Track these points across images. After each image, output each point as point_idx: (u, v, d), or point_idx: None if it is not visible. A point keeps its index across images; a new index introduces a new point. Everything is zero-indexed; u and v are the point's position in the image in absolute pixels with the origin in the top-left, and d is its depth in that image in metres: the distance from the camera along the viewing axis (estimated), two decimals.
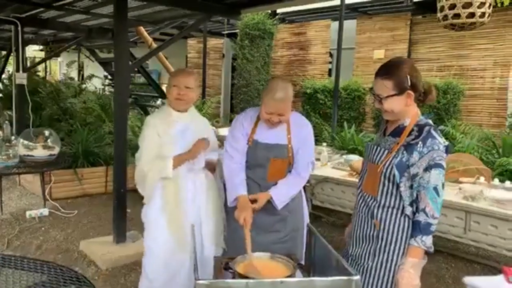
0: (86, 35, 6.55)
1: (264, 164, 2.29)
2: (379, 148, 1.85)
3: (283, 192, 2.27)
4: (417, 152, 1.71)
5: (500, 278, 1.96)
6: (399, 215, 1.79)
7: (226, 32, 9.35)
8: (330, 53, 8.81)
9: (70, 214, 4.76)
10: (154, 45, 7.36)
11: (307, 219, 2.47)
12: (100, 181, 5.60)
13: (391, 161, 1.77)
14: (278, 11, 8.67)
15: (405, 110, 1.78)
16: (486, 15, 4.49)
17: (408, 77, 1.74)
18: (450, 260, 3.83)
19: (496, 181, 3.38)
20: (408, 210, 1.76)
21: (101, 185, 5.60)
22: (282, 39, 9.25)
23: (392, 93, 1.74)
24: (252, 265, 1.91)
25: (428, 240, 1.70)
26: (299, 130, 2.31)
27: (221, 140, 4.84)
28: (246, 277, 1.78)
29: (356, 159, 4.11)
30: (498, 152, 4.72)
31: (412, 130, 1.76)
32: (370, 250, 1.86)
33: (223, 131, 5.13)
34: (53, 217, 4.67)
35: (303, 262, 2.25)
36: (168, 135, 2.41)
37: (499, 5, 4.95)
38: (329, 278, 1.60)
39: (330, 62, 8.85)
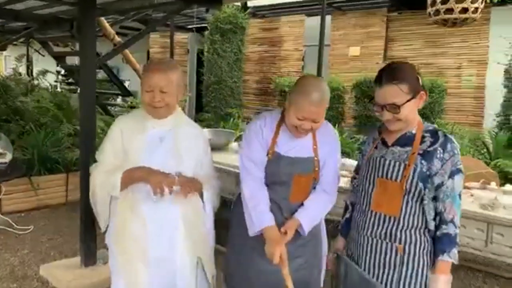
0: (39, 26, 5.83)
1: (287, 181, 1.87)
2: (388, 161, 1.66)
3: (313, 216, 1.89)
4: (437, 159, 1.58)
5: None
6: (423, 235, 1.64)
7: (195, 26, 8.84)
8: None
9: (25, 231, 4.11)
10: (118, 39, 6.73)
11: (325, 245, 2.08)
12: (60, 190, 4.97)
13: (413, 174, 1.59)
14: (249, 4, 8.27)
15: (414, 116, 1.64)
16: (479, 10, 4.34)
17: (418, 77, 1.63)
18: (469, 273, 3.62)
19: (508, 186, 3.17)
20: (431, 225, 1.62)
21: (61, 195, 4.97)
22: (253, 34, 8.87)
23: (409, 97, 1.59)
24: None
25: (455, 254, 1.58)
26: (325, 140, 1.91)
27: None
28: None
29: (355, 163, 3.78)
30: (489, 153, 4.58)
31: (424, 136, 1.63)
32: (392, 278, 1.65)
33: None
34: (5, 235, 4.01)
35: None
36: (135, 143, 1.87)
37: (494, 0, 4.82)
38: None
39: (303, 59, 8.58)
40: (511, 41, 5.36)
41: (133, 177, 1.81)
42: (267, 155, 1.87)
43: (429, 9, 4.48)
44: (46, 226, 4.30)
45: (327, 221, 2.15)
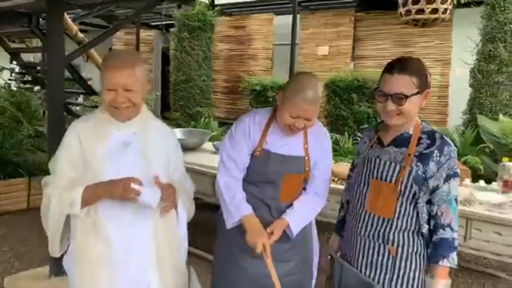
0: None
1: (276, 180, 1.82)
2: (383, 162, 1.64)
3: (301, 218, 1.85)
4: (434, 162, 1.55)
5: None
6: (416, 238, 1.62)
7: (161, 23, 8.61)
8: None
9: None
10: (80, 36, 6.42)
11: (316, 249, 2.05)
12: (21, 196, 4.68)
13: (408, 176, 1.57)
14: (217, 2, 8.16)
15: (414, 114, 1.61)
16: (448, 11, 4.45)
17: (428, 75, 1.61)
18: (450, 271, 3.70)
19: (481, 182, 3.26)
20: (425, 229, 1.60)
21: (22, 201, 4.68)
22: (221, 32, 8.75)
23: (416, 91, 1.55)
24: None
25: (454, 259, 1.55)
26: (316, 139, 1.87)
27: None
28: None
29: (334, 163, 3.78)
30: (458, 150, 4.72)
31: (420, 137, 1.61)
32: (384, 280, 1.63)
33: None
34: None
35: None
36: (97, 151, 1.58)
37: (462, 1, 4.98)
38: None
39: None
40: (476, 42, 5.56)
41: (96, 193, 1.53)
42: (255, 153, 1.82)
43: (401, 9, 4.55)
44: (7, 234, 4.03)
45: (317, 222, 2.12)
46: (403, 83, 1.53)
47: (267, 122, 1.84)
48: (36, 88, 9.37)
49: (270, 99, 7.36)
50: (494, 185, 3.20)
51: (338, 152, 5.38)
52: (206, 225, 3.05)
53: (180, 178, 1.75)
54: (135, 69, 1.55)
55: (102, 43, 7.05)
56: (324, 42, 7.84)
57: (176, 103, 7.99)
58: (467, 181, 3.31)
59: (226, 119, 8.42)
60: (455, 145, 4.98)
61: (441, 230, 1.55)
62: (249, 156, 1.84)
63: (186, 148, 4.20)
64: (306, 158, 1.84)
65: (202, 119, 7.08)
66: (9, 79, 12.46)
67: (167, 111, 9.66)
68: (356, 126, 6.24)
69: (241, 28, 8.66)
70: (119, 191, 1.49)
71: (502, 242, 2.68)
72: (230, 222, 1.79)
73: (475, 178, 3.71)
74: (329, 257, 1.85)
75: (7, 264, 3.43)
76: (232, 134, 1.86)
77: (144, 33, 10.13)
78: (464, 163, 4.26)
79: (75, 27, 6.45)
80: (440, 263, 1.54)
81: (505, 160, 3.15)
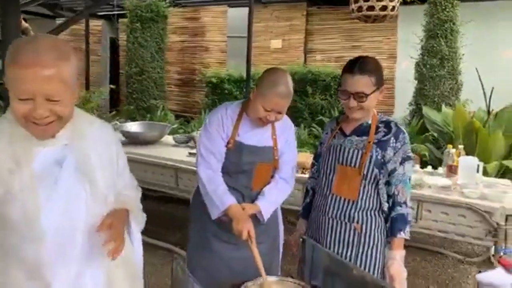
0: None
1: (249, 170, 1.94)
2: (347, 149, 1.82)
3: (272, 203, 1.98)
4: (391, 147, 1.75)
5: (501, 271, 1.98)
6: (377, 216, 1.81)
7: (111, 13, 8.33)
8: None
9: None
10: (25, 25, 6.08)
11: (282, 228, 2.20)
12: None
13: (369, 161, 1.76)
14: None
15: (372, 107, 1.81)
16: (396, 9, 4.73)
17: (382, 73, 1.81)
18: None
19: (429, 168, 3.54)
20: (385, 207, 1.79)
21: None
22: (174, 23, 8.62)
23: (374, 88, 1.75)
24: None
25: (408, 231, 1.76)
26: (283, 130, 2.02)
27: (131, 137, 4.20)
28: None
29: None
30: None
31: (378, 127, 1.80)
32: (351, 255, 1.81)
33: (133, 127, 4.46)
34: None
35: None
36: (19, 181, 1.12)
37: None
38: None
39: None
40: (420, 38, 5.94)
41: None
42: (228, 145, 1.92)
43: (352, 6, 4.77)
44: None
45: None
46: (363, 83, 1.72)
47: (238, 115, 1.94)
48: None
49: (226, 92, 7.40)
50: (440, 170, 3.50)
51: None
52: (168, 217, 3.10)
53: (126, 185, 1.41)
54: (61, 67, 1.07)
55: (44, 33, 6.62)
56: (277, 35, 7.98)
57: (129, 96, 7.80)
58: (417, 166, 3.58)
59: (181, 112, 8.35)
60: None
61: (399, 207, 1.74)
62: (224, 147, 1.92)
63: (145, 142, 4.17)
64: (275, 148, 1.98)
65: (159, 112, 6.99)
66: None
67: (117, 104, 9.40)
68: (311, 118, 6.47)
69: (195, 19, 8.59)
70: None
71: (449, 221, 2.96)
72: (215, 212, 1.88)
73: (422, 164, 4.02)
74: (301, 240, 1.98)
75: None
76: (207, 128, 1.94)
77: (92, 23, 9.76)
78: (412, 151, 4.56)
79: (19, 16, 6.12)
80: (398, 235, 1.73)
81: (449, 147, 3.44)
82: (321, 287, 1.75)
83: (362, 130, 1.82)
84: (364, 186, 1.78)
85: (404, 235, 1.74)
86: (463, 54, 5.68)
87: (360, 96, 1.73)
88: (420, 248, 4.05)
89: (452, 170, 3.33)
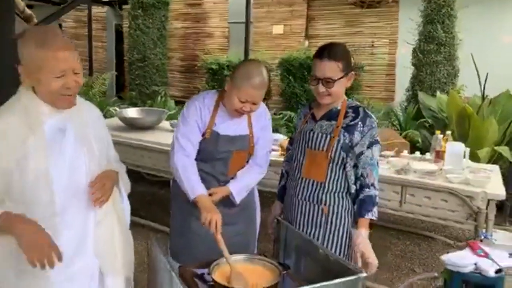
0: None
1: (225, 157, 2.03)
2: (316, 134, 1.89)
3: (243, 186, 2.07)
4: (358, 132, 1.82)
5: (468, 252, 2.06)
6: (344, 198, 1.88)
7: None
8: None
9: None
10: (28, 11, 6.18)
11: (259, 211, 2.29)
12: None
13: (337, 145, 1.83)
14: None
15: (341, 93, 1.87)
16: None
17: (352, 59, 1.87)
18: (385, 232, 4.10)
19: (417, 153, 3.59)
20: (353, 189, 1.86)
21: None
22: (176, 10, 8.65)
23: (342, 74, 1.80)
24: (231, 271, 1.67)
25: (376, 212, 1.83)
26: (258, 118, 2.08)
27: (129, 123, 4.31)
28: None
29: (282, 138, 4.00)
30: (400, 124, 5.09)
31: (347, 112, 1.86)
32: (319, 235, 1.90)
33: (132, 113, 4.57)
34: None
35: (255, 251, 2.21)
36: (30, 146, 1.36)
37: None
38: (338, 281, 1.48)
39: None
40: (417, 23, 5.90)
41: (10, 229, 1.31)
42: (205, 134, 1.98)
43: None
44: None
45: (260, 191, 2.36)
46: (330, 68, 1.78)
47: (215, 104, 2.00)
48: None
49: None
50: (428, 155, 3.55)
51: (290, 129, 5.63)
52: (165, 201, 3.20)
53: (114, 156, 1.70)
54: (75, 51, 1.41)
55: (49, 21, 6.83)
56: (279, 21, 7.98)
57: (132, 82, 7.90)
58: (405, 152, 3.64)
59: (182, 98, 8.44)
60: (399, 121, 5.37)
61: (367, 189, 1.81)
62: (200, 135, 2.00)
63: (143, 127, 4.28)
64: (251, 135, 2.05)
65: (159, 98, 7.09)
66: None
67: (121, 90, 9.52)
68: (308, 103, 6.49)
69: (197, 5, 8.61)
70: (28, 253, 1.26)
71: (432, 205, 3.03)
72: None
73: (415, 149, 4.08)
74: (276, 221, 2.07)
75: None
76: (184, 116, 2.01)
77: (96, 10, 9.82)
78: (405, 136, 4.62)
79: (21, 3, 6.21)
80: (366, 216, 1.80)
81: (437, 133, 3.49)
82: (290, 265, 1.85)
83: (332, 115, 1.88)
84: (332, 169, 1.86)
85: (371, 215, 1.81)
86: (460, 40, 5.64)
87: (328, 82, 1.80)
88: (411, 232, 4.14)
89: (439, 156, 3.38)
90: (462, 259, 1.96)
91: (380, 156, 3.55)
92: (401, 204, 3.11)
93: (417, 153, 3.60)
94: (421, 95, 5.32)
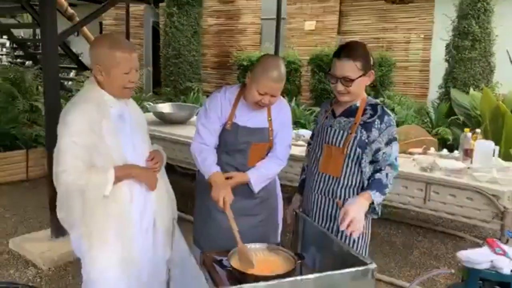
0: None
1: (245, 149, 2.12)
2: (334, 130, 1.92)
3: (262, 175, 2.14)
4: (375, 129, 1.84)
5: (486, 250, 2.05)
6: (359, 193, 1.88)
7: None
8: None
9: None
10: (71, 11, 6.52)
11: (281, 201, 2.37)
12: (20, 167, 4.92)
13: (353, 141, 1.86)
14: None
15: (361, 91, 1.89)
16: None
17: (371, 58, 1.88)
18: (412, 230, 4.08)
19: (444, 151, 3.56)
20: (366, 183, 1.88)
21: (21, 171, 4.92)
22: (210, 7, 8.82)
23: (361, 73, 1.82)
24: (247, 258, 1.77)
25: (380, 199, 1.82)
26: (279, 112, 2.16)
27: (162, 118, 4.49)
28: (247, 274, 1.64)
29: (309, 134, 4.05)
30: (431, 121, 5.01)
31: (365, 109, 1.88)
32: (333, 228, 1.94)
33: (165, 108, 4.76)
34: None
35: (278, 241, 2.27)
36: (104, 129, 1.74)
37: None
38: (347, 270, 1.54)
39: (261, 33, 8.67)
40: (452, 18, 5.76)
41: (129, 174, 1.79)
42: (226, 126, 2.08)
43: None
44: (8, 202, 4.30)
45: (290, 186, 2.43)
46: (348, 68, 1.81)
47: (236, 98, 2.10)
48: (27, 63, 9.44)
49: None
50: (456, 153, 3.52)
51: None
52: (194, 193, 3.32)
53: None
54: (135, 53, 1.79)
55: (90, 19, 7.13)
56: (311, 17, 7.97)
57: (166, 78, 8.14)
58: (432, 150, 3.62)
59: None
60: (430, 118, 5.28)
61: (378, 174, 1.83)
62: (220, 127, 2.10)
63: (175, 122, 4.45)
64: (270, 129, 2.13)
65: (192, 94, 7.28)
66: (1, 54, 12.47)
67: (158, 86, 9.81)
68: None
69: (230, 2, 8.74)
70: (146, 179, 1.84)
71: (457, 203, 3.01)
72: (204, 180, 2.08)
73: (446, 147, 4.03)
74: (294, 213, 2.15)
75: (11, 228, 3.72)
76: (206, 108, 2.12)
77: (134, 8, 10.15)
78: (436, 134, 4.55)
79: (65, 3, 6.55)
80: (368, 191, 1.79)
81: (466, 131, 3.44)
82: (307, 256, 1.92)
83: (351, 112, 1.91)
84: (348, 165, 1.89)
85: (372, 194, 1.78)
86: (496, 36, 5.46)
87: (346, 81, 1.83)
88: (438, 230, 4.10)
89: (467, 154, 3.35)
90: (478, 256, 1.96)
91: (407, 153, 3.59)
92: (425, 201, 3.11)
93: (444, 151, 3.57)
94: (454, 92, 5.20)
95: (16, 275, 2.99)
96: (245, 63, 7.61)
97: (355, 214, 1.72)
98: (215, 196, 1.93)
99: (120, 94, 1.81)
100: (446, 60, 5.81)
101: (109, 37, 1.84)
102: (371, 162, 1.89)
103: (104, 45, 1.74)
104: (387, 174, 1.84)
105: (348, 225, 1.72)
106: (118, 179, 1.74)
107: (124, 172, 1.77)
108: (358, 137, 1.86)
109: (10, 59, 12.01)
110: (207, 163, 2.06)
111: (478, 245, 3.81)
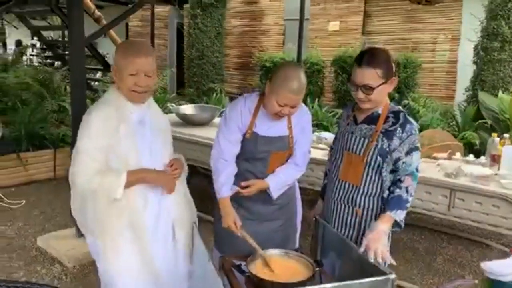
0: (17, 0, 5.73)
1: (265, 157, 2.11)
2: (355, 137, 1.90)
3: (281, 182, 2.14)
4: (397, 137, 1.81)
5: (510, 260, 1.99)
6: (378, 201, 1.88)
7: None
8: None
9: (17, 205, 4.25)
10: (98, 13, 6.66)
11: (300, 207, 2.36)
12: (48, 166, 5.07)
13: (374, 150, 1.83)
14: None
15: (382, 98, 1.84)
16: None
17: (393, 64, 1.83)
18: (436, 236, 4.01)
19: (471, 156, 3.46)
20: (386, 193, 1.86)
21: (49, 170, 5.08)
22: (233, 8, 8.86)
23: (382, 81, 1.78)
24: (266, 264, 1.78)
25: (402, 215, 1.80)
26: (299, 119, 2.13)
27: (185, 119, 4.54)
28: (265, 280, 1.65)
29: (330, 137, 4.02)
30: (458, 125, 4.89)
31: (388, 117, 1.84)
32: (352, 236, 1.93)
33: (187, 109, 4.80)
34: None
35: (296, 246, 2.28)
36: (122, 133, 1.75)
37: None
38: (366, 280, 1.53)
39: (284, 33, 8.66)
40: (481, 19, 5.60)
41: (142, 178, 1.77)
42: (246, 135, 2.07)
43: None
44: (37, 200, 4.44)
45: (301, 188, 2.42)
46: (369, 76, 1.76)
47: (256, 106, 2.08)
48: (56, 63, 9.72)
49: None
50: (482, 159, 3.41)
51: None
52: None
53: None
54: (151, 57, 1.76)
55: (117, 22, 7.26)
56: (335, 17, 7.90)
57: (190, 79, 8.23)
58: (458, 155, 3.52)
59: (238, 95, 8.63)
60: (456, 121, 5.15)
61: (398, 190, 1.80)
62: (241, 136, 2.09)
63: (197, 123, 4.49)
64: (290, 136, 2.11)
65: (214, 95, 7.33)
66: (31, 55, 12.89)
67: (182, 87, 9.93)
68: None
69: (253, 3, 8.75)
70: (164, 182, 1.83)
71: (482, 211, 2.92)
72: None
73: (473, 152, 3.92)
74: (314, 219, 2.14)
75: (39, 226, 3.84)
76: (226, 118, 2.10)
77: (159, 9, 10.31)
78: (462, 138, 4.44)
79: (92, 6, 6.70)
80: (388, 213, 1.77)
81: (494, 135, 3.34)
82: (326, 263, 1.91)
83: (372, 119, 1.87)
84: (368, 173, 1.86)
85: (394, 215, 1.77)
86: None
87: (367, 89, 1.78)
88: (463, 237, 4.00)
89: (495, 160, 3.25)
90: (502, 267, 1.90)
91: (432, 158, 3.51)
92: (449, 208, 3.03)
93: (471, 156, 3.47)
94: (482, 95, 5.06)
95: (43, 271, 3.09)
96: (267, 64, 7.61)
97: (376, 246, 1.68)
98: (225, 225, 2.01)
99: (131, 98, 1.78)
100: (474, 62, 5.65)
101: (129, 41, 1.98)
102: (392, 171, 1.86)
103: (121, 48, 1.82)
104: (407, 189, 1.80)
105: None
106: (130, 183, 1.73)
107: (137, 176, 1.75)
108: (379, 146, 1.83)
109: (40, 60, 12.42)
110: (219, 183, 2.07)
111: (506, 253, 3.75)
